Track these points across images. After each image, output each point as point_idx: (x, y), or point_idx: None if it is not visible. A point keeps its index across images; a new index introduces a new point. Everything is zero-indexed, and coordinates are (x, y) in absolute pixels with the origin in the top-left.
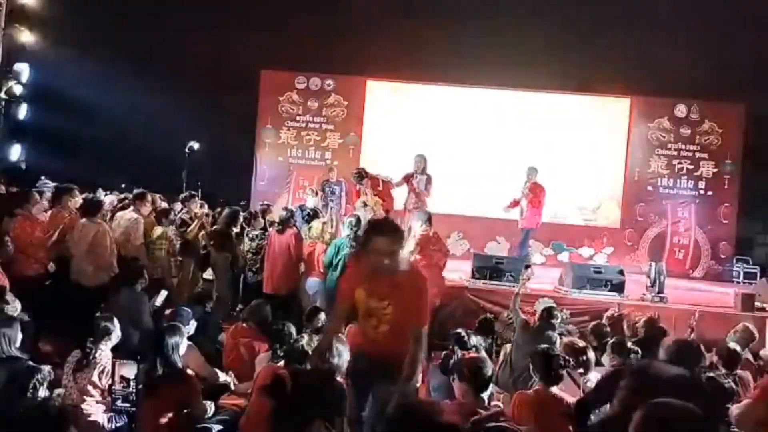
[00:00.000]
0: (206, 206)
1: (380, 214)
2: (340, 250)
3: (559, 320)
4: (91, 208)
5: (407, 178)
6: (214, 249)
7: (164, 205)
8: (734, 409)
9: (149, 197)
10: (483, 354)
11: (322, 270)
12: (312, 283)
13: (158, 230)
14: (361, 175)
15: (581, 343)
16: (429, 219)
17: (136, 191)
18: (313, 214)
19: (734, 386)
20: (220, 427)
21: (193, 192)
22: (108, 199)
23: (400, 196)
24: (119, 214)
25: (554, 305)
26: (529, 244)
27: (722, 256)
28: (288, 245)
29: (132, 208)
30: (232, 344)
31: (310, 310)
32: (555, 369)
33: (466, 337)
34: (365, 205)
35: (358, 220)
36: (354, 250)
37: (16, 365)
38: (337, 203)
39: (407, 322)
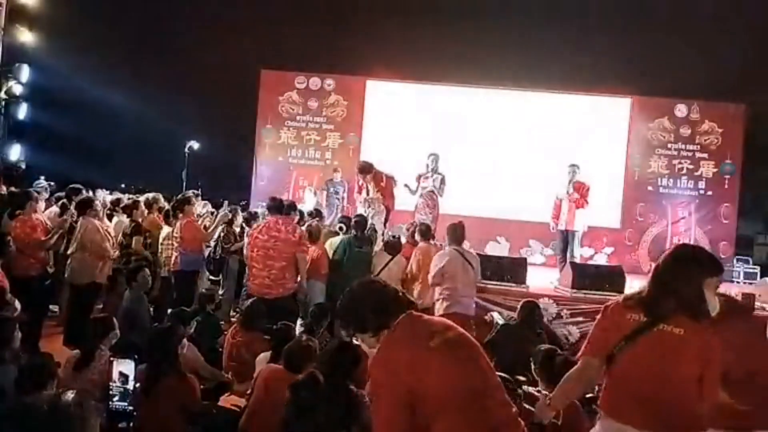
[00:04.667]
0: (209, 205)
1: (380, 211)
2: (348, 250)
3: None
4: (82, 207)
5: (419, 179)
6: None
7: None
8: None
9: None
10: None
11: (323, 272)
12: (317, 285)
13: (165, 230)
14: (366, 168)
15: None
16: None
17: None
18: (317, 215)
19: None
20: None
21: (195, 192)
22: (105, 198)
23: (401, 196)
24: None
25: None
26: (583, 244)
27: (722, 256)
28: None
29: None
30: (232, 344)
31: (320, 309)
32: (559, 368)
33: None
34: (366, 200)
35: (364, 219)
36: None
37: (30, 361)
38: (339, 203)
39: None
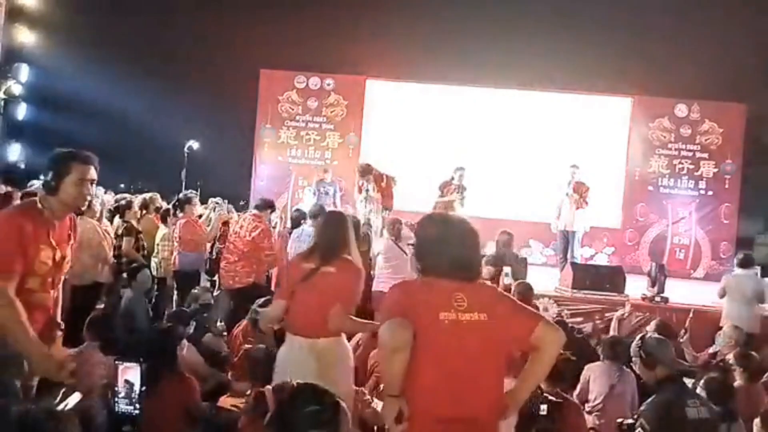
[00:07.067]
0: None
1: (378, 209)
2: None
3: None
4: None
5: (444, 191)
6: None
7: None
8: None
9: None
10: None
11: None
12: None
13: (162, 231)
14: (365, 170)
15: None
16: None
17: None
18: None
19: None
20: None
21: (192, 192)
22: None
23: (401, 196)
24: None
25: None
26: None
27: (723, 256)
28: None
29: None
30: (242, 343)
31: None
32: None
33: None
34: (366, 199)
35: (358, 221)
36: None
37: None
38: (331, 204)
39: None
